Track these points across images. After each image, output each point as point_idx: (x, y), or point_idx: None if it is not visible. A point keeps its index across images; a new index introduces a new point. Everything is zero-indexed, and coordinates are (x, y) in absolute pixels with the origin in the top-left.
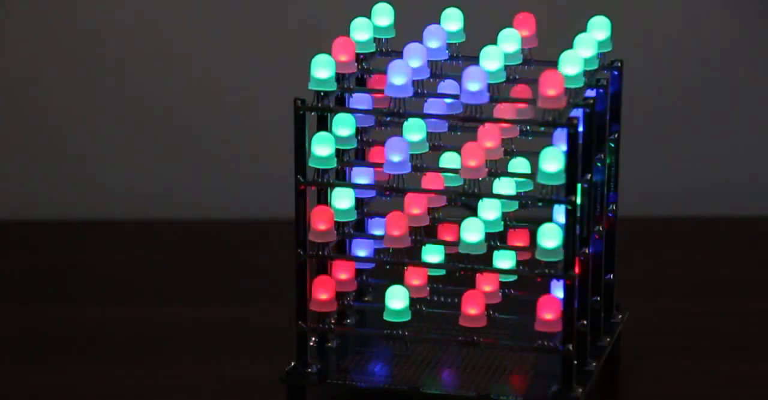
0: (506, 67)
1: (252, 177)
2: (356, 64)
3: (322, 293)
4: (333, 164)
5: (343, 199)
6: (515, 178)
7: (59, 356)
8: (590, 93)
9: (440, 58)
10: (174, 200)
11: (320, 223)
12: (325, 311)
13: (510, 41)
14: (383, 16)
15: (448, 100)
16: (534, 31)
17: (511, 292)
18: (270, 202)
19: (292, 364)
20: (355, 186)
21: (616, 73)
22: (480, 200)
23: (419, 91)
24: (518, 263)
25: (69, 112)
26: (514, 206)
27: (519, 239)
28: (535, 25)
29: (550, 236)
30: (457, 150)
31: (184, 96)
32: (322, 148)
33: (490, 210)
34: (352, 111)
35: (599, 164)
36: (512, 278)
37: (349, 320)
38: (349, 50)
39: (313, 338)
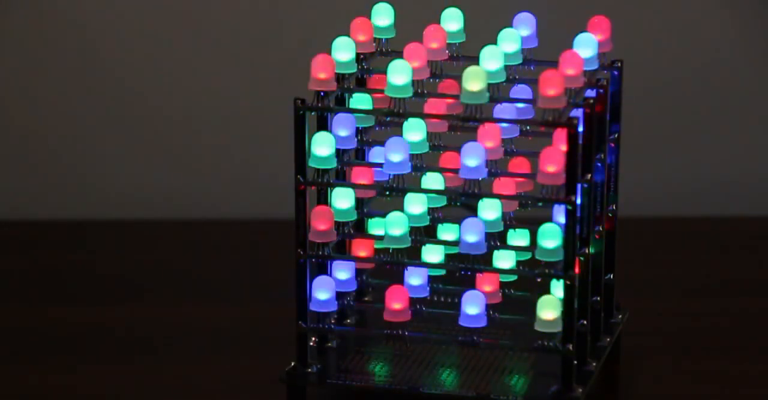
0: (506, 67)
1: (252, 177)
2: (356, 64)
3: (322, 292)
4: (333, 164)
5: (343, 199)
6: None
7: (59, 356)
8: (590, 93)
9: (440, 58)
10: (174, 200)
11: (320, 223)
12: (325, 310)
13: (510, 41)
14: (383, 16)
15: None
16: (534, 31)
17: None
18: (270, 202)
19: (292, 364)
20: (355, 186)
21: (616, 73)
22: (480, 200)
23: (419, 91)
24: (518, 262)
25: (68, 112)
26: (514, 206)
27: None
28: (535, 25)
29: (550, 236)
30: (457, 150)
31: (183, 96)
32: (322, 148)
33: (490, 210)
34: (352, 111)
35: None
36: (512, 278)
37: (349, 320)
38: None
39: (313, 338)
